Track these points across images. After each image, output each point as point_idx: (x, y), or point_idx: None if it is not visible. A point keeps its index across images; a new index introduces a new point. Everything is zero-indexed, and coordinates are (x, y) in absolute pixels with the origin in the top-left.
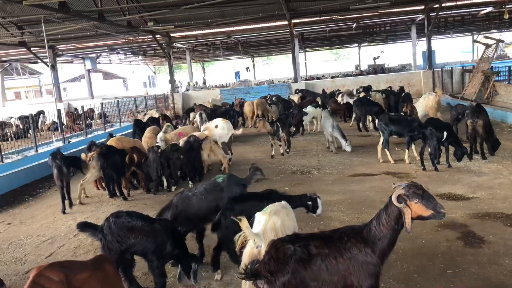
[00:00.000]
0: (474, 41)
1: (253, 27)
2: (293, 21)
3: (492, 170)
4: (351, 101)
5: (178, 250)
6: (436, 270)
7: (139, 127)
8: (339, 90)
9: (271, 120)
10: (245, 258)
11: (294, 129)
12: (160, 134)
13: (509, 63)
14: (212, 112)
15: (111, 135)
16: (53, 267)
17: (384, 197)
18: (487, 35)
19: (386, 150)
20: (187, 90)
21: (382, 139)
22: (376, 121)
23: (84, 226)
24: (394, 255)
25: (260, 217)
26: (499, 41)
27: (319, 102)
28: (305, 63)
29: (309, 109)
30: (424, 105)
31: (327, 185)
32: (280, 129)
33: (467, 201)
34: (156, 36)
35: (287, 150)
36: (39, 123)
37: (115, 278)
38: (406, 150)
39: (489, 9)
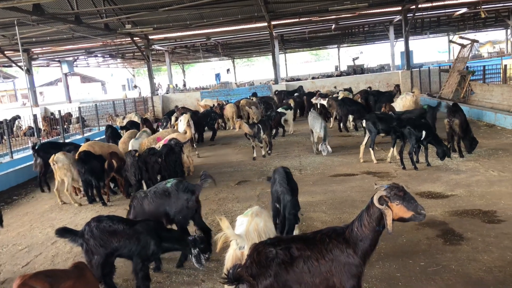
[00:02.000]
0: (450, 41)
1: (232, 28)
2: (273, 22)
3: (470, 168)
4: (324, 102)
5: (167, 245)
6: (417, 268)
7: (111, 132)
8: (319, 91)
9: (251, 122)
10: (228, 261)
11: (274, 130)
12: (132, 142)
13: (484, 62)
14: (194, 115)
15: (87, 140)
16: (38, 277)
17: (365, 197)
18: (462, 35)
19: (370, 149)
20: (167, 92)
21: (366, 138)
22: (354, 121)
23: (64, 232)
24: (375, 255)
25: (242, 220)
26: (474, 41)
27: (291, 104)
28: (286, 64)
29: (280, 110)
30: (401, 105)
31: (308, 185)
32: (261, 131)
33: (446, 199)
34: (134, 38)
35: (269, 152)
36: (14, 128)
37: (94, 284)
38: (392, 149)
39: (464, 10)
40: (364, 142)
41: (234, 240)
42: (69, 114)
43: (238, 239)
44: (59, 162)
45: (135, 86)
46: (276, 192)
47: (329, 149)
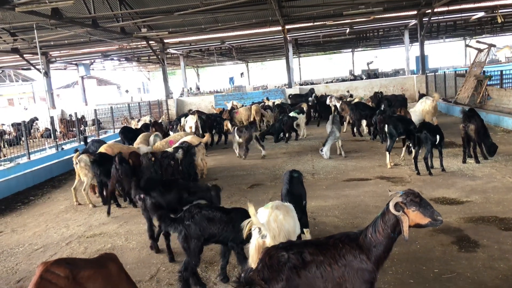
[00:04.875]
0: (467, 45)
1: (246, 32)
2: (287, 26)
3: (486, 173)
4: (338, 104)
5: None
6: (431, 275)
7: (124, 134)
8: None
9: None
10: (252, 251)
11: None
12: (144, 148)
13: (501, 67)
14: (200, 118)
15: (76, 150)
16: (59, 263)
17: (378, 202)
18: (479, 39)
19: (387, 153)
20: (181, 95)
21: (389, 142)
22: (367, 126)
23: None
24: (389, 261)
25: (263, 211)
26: (491, 45)
27: (304, 108)
28: (299, 68)
29: (293, 114)
30: (420, 110)
31: (321, 190)
32: (242, 134)
33: (461, 205)
34: (149, 42)
35: (243, 156)
36: (32, 130)
37: (118, 277)
38: (413, 150)
39: (481, 14)
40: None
41: (257, 230)
42: (82, 117)
43: (262, 227)
44: (81, 161)
45: (127, 91)
46: (282, 195)
47: (326, 154)
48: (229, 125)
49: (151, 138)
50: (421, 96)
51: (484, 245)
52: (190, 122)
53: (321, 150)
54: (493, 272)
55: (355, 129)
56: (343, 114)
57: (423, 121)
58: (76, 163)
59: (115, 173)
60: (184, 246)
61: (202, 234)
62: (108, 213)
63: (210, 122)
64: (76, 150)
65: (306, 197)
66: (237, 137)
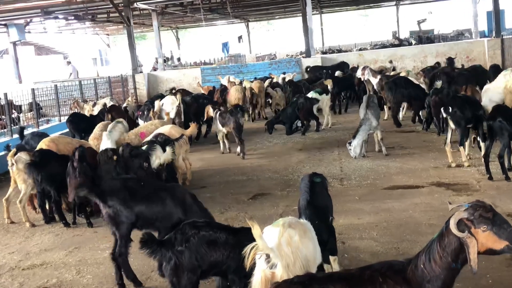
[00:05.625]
0: None
1: None
2: None
3: None
4: (375, 81)
5: None
6: None
7: (75, 123)
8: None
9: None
10: (257, 287)
11: (301, 124)
12: (105, 138)
13: None
14: (194, 101)
15: (8, 146)
16: None
17: (433, 219)
18: None
19: (461, 148)
20: (155, 69)
21: (449, 134)
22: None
23: (146, 243)
24: None
25: (271, 231)
26: None
27: (329, 87)
28: (321, 29)
29: (312, 95)
30: (502, 87)
31: (353, 202)
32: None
33: None
34: None
35: (241, 153)
36: None
37: None
38: (482, 145)
39: None
40: (448, 140)
41: (263, 258)
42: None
43: (272, 253)
44: (19, 162)
45: (69, 63)
46: (299, 208)
47: (355, 151)
48: (211, 110)
49: (109, 127)
50: (493, 67)
51: None
52: (168, 106)
53: (349, 144)
54: None
55: (398, 116)
56: (383, 95)
57: (499, 104)
58: (12, 165)
59: (72, 174)
60: (172, 281)
61: (199, 264)
62: (74, 223)
63: (197, 107)
64: (7, 146)
65: (333, 211)
66: (219, 125)
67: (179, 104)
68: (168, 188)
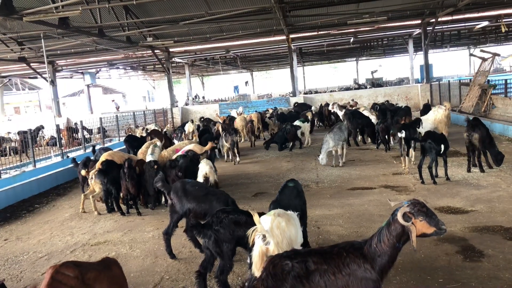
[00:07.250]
0: (471, 54)
1: (251, 42)
2: (291, 35)
3: (491, 183)
4: (340, 113)
5: None
6: (436, 284)
7: (129, 142)
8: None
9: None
10: (256, 257)
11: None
12: (149, 153)
13: (506, 76)
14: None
15: (74, 160)
16: (68, 265)
17: (382, 211)
18: (483, 49)
19: (404, 158)
20: (186, 104)
21: (402, 148)
22: (366, 135)
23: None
24: (393, 270)
25: (265, 218)
26: (495, 54)
27: (309, 117)
28: (304, 77)
29: (297, 123)
30: (433, 119)
31: (325, 198)
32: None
33: (466, 214)
34: (155, 51)
35: (236, 162)
36: (38, 138)
37: (122, 279)
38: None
39: (485, 23)
40: (404, 153)
41: (260, 236)
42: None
43: (267, 234)
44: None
45: (113, 101)
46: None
47: (322, 161)
48: (220, 128)
49: (150, 150)
50: (425, 106)
51: (489, 254)
52: (186, 128)
53: (318, 156)
54: (498, 282)
55: (357, 138)
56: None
57: (429, 130)
58: (91, 178)
59: (123, 177)
60: (216, 251)
61: (232, 237)
62: (127, 212)
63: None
64: (73, 160)
65: (306, 206)
66: (224, 141)
67: (194, 127)
68: (216, 193)
